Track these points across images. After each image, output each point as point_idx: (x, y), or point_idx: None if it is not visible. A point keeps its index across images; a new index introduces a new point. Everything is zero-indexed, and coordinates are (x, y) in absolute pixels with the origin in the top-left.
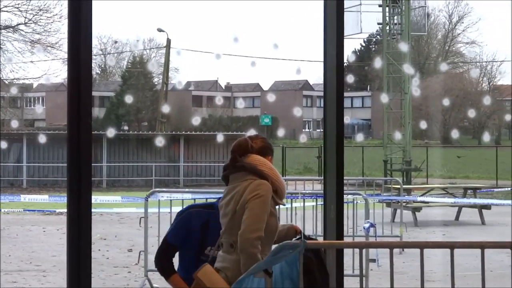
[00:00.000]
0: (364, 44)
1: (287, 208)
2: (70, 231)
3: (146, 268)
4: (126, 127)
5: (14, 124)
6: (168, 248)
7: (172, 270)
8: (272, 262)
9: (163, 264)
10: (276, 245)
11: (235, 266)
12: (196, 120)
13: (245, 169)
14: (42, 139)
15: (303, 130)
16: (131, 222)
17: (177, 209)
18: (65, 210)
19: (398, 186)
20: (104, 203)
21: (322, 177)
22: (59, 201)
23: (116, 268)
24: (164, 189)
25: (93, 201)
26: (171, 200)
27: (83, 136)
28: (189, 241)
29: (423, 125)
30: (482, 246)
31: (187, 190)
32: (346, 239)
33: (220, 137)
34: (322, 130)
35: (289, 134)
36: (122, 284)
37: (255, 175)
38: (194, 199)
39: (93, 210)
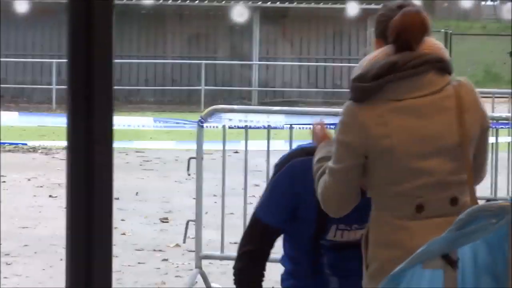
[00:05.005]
0: None
1: None
2: (71, 184)
3: (199, 253)
4: None
5: None
6: (263, 232)
7: (258, 283)
8: (458, 241)
9: (248, 263)
10: (468, 209)
11: None
12: None
13: (436, 65)
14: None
15: (482, 2)
16: (165, 168)
17: (258, 144)
18: (50, 143)
19: None
20: (117, 130)
21: None
22: (32, 124)
23: (140, 253)
24: (235, 106)
25: None
26: (247, 127)
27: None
28: (300, 217)
29: None
30: None
31: (276, 109)
32: None
33: (352, 10)
34: None
35: (456, 11)
36: (153, 282)
37: (448, 72)
38: (291, 125)
39: None
